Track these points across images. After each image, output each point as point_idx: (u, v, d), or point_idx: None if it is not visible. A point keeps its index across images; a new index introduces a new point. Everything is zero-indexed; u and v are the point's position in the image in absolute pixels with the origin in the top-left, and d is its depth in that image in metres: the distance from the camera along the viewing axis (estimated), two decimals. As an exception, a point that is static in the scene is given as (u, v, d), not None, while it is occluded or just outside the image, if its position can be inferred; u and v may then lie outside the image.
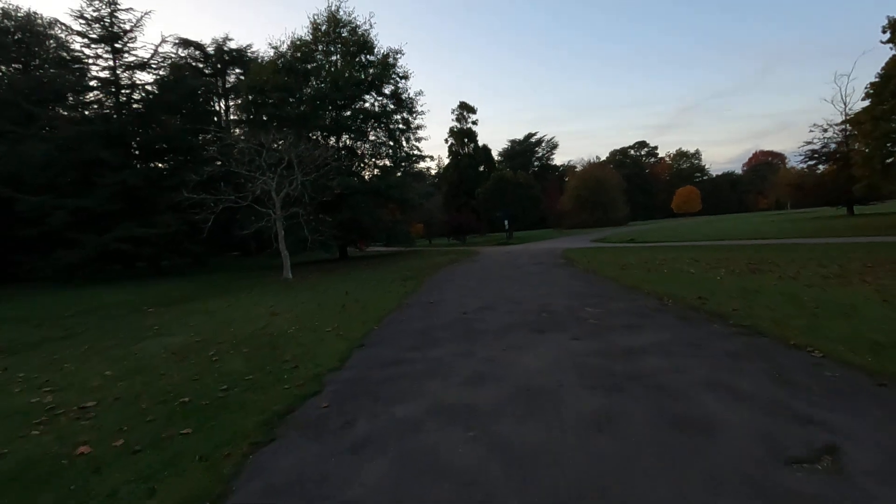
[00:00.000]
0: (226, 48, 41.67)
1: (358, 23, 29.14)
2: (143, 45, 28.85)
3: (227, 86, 42.98)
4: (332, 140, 29.87)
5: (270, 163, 19.62)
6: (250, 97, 27.34)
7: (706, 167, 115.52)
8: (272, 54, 28.12)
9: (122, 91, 25.82)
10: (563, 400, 3.81)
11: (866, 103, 20.81)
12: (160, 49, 26.93)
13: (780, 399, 3.50)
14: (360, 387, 4.62)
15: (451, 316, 7.85)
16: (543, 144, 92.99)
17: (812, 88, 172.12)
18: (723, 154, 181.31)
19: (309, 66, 27.95)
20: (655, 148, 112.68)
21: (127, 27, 25.18)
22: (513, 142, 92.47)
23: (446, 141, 65.15)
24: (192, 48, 40.92)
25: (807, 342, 4.91)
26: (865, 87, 20.88)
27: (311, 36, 28.83)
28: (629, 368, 4.42)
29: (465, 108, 63.56)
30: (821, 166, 38.29)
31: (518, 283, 11.42)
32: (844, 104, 36.59)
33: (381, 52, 29.59)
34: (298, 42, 28.26)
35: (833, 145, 37.23)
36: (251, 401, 4.35)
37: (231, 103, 42.13)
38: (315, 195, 19.98)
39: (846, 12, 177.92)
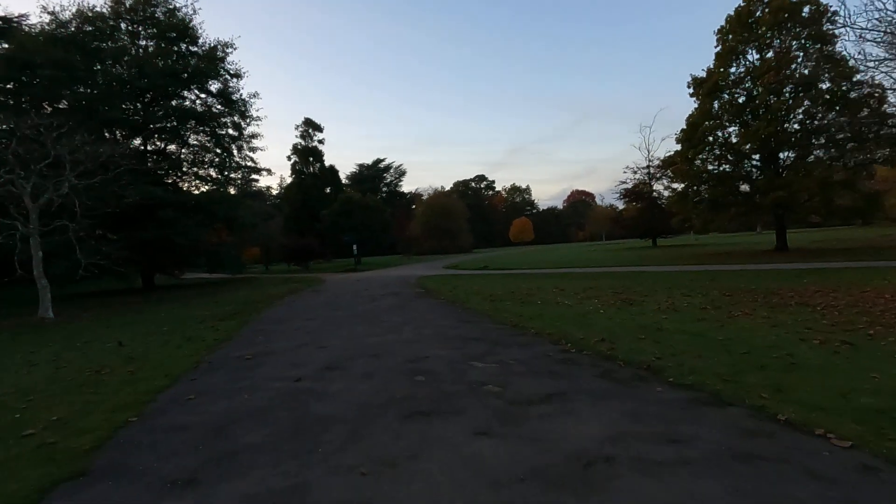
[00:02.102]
0: (-14, 13, 31.82)
1: (177, 4, 24.21)
2: None
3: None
4: (139, 140, 24.03)
5: (28, 157, 14.12)
6: (12, 73, 20.32)
7: (535, 201, 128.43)
8: (48, 20, 21.54)
9: None
10: None
11: (678, 147, 23.64)
12: None
13: None
14: None
15: (275, 387, 5.00)
16: (392, 171, 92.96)
17: (611, 141, 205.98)
18: (545, 191, 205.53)
19: (104, 45, 22.05)
20: (493, 182, 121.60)
21: None
22: (361, 166, 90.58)
23: (289, 158, 60.12)
24: (-71, 5, 30.49)
25: (796, 415, 3.43)
26: (676, 134, 23.78)
27: (109, 9, 22.95)
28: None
29: (310, 125, 59.57)
30: (633, 203, 43.88)
31: (374, 324, 8.92)
32: (648, 150, 42.83)
33: (208, 44, 25.02)
34: (91, 14, 22.19)
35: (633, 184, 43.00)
36: None
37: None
38: (96, 205, 14.86)
39: (640, 78, 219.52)
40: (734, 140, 21.87)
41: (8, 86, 20.90)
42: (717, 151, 22.20)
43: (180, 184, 26.20)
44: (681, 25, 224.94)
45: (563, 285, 13.86)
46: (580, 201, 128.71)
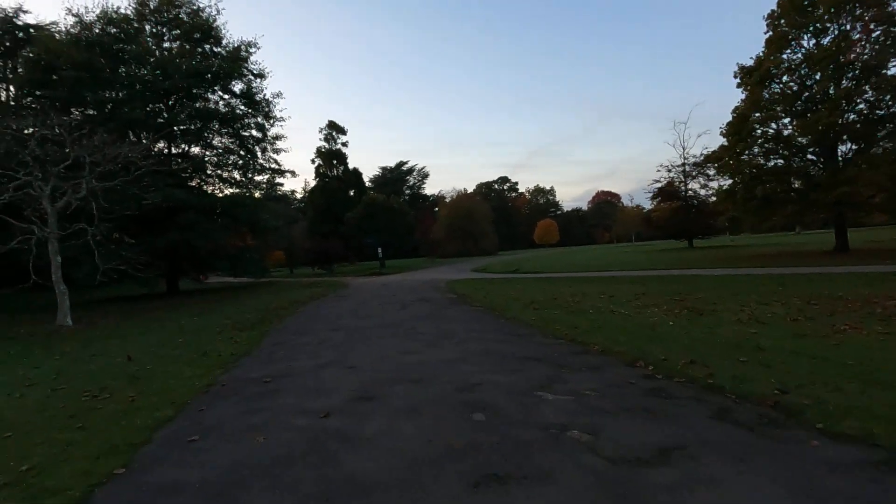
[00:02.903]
0: (19, 22, 32.40)
1: (201, 4, 23.85)
2: None
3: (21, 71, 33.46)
4: (164, 143, 23.74)
5: (47, 158, 13.74)
6: (35, 76, 20.19)
7: (559, 203, 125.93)
8: (72, 23, 21.41)
9: None
10: None
11: (722, 142, 22.04)
12: None
13: None
14: None
15: (297, 425, 4.02)
16: (415, 173, 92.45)
17: (634, 140, 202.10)
18: (568, 193, 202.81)
19: (128, 48, 21.74)
20: (516, 183, 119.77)
21: None
22: (384, 169, 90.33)
23: (313, 161, 60.08)
24: (-35, 16, 30.90)
25: None
26: (721, 127, 22.19)
27: (133, 11, 22.71)
28: None
29: (334, 128, 59.40)
30: (665, 203, 41.88)
31: (409, 336, 7.91)
32: (683, 148, 40.87)
33: (232, 44, 24.60)
34: (115, 15, 21.94)
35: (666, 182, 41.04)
36: None
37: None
38: (115, 208, 14.33)
39: (662, 76, 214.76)
40: (787, 132, 20.20)
41: (36, 91, 20.81)
42: (769, 145, 20.53)
43: (204, 186, 25.83)
44: (704, 20, 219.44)
45: (610, 290, 12.63)
46: (605, 202, 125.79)
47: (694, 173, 39.49)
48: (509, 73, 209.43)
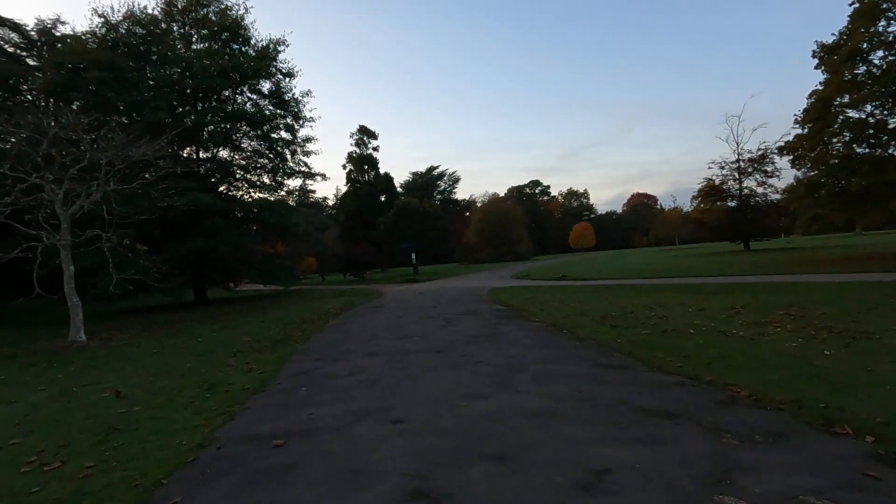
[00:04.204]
0: (57, 32, 32.66)
1: (229, 3, 22.98)
2: None
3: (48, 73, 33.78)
4: (191, 148, 22.95)
5: (63, 160, 12.76)
6: (59, 78, 19.57)
7: (593, 206, 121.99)
8: (99, 24, 20.81)
9: None
10: None
11: (798, 130, 19.45)
12: None
13: None
14: None
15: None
16: (446, 178, 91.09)
17: (667, 142, 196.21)
18: (599, 196, 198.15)
19: (154, 49, 20.99)
20: (548, 187, 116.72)
21: None
22: (415, 174, 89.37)
23: (344, 167, 59.43)
24: (7, 28, 31.27)
25: None
26: (795, 115, 19.60)
27: (160, 11, 22.01)
28: None
29: (365, 133, 58.57)
30: (717, 203, 38.76)
31: (466, 367, 6.14)
32: (737, 143, 37.75)
33: (260, 44, 23.65)
34: (142, 15, 21.24)
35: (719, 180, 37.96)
36: None
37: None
38: (132, 213, 13.19)
39: (693, 80, 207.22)
40: (880, 115, 17.47)
41: (59, 94, 20.27)
42: (856, 131, 17.79)
43: (232, 191, 24.91)
44: (733, 17, 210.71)
45: (693, 302, 10.53)
46: (641, 204, 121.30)
47: (750, 170, 36.45)
48: (539, 77, 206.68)
